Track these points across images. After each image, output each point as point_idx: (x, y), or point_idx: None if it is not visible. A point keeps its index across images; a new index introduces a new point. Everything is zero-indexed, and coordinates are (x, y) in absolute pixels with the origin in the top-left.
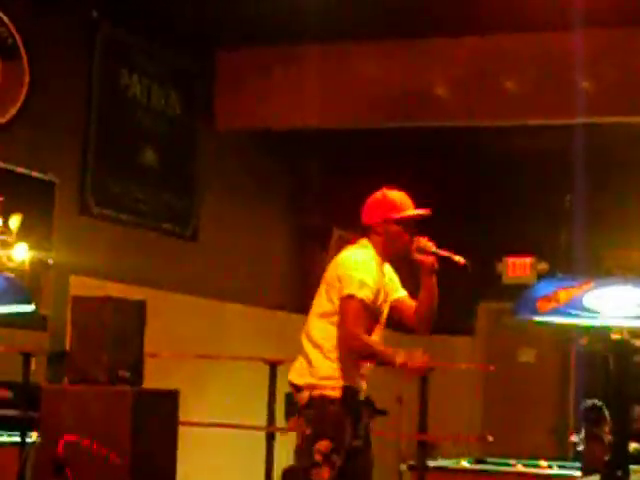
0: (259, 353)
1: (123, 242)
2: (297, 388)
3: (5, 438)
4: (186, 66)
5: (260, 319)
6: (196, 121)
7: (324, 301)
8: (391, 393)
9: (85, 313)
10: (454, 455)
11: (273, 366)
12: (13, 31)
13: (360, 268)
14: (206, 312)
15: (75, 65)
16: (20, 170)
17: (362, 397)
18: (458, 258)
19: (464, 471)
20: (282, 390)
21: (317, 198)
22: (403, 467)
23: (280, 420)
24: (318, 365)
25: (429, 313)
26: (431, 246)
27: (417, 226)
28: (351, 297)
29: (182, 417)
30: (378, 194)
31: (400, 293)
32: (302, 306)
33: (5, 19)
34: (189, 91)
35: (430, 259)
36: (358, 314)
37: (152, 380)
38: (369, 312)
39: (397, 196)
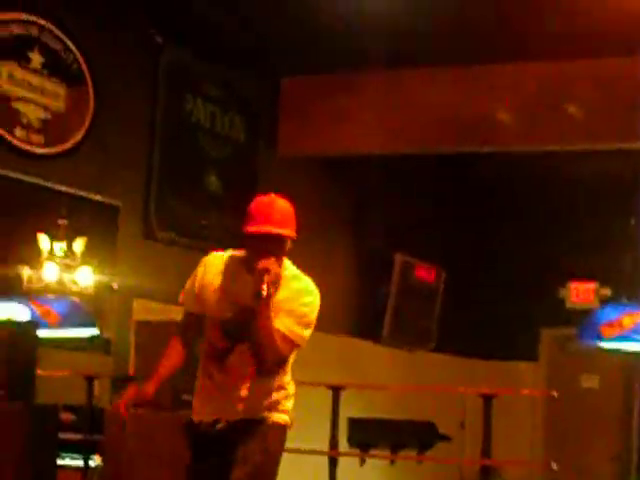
0: (322, 378)
1: (186, 266)
2: None
3: (68, 461)
4: (250, 92)
5: (323, 344)
6: (259, 146)
7: None
8: (454, 418)
9: (148, 337)
10: None
11: (336, 391)
12: (78, 56)
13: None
14: None
15: (139, 90)
16: (85, 194)
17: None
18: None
19: None
20: (344, 415)
21: (380, 223)
22: None
23: (342, 444)
24: None
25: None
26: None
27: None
28: None
29: None
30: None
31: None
32: (365, 331)
33: (70, 45)
34: (253, 117)
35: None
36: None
37: None
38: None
39: (254, 206)
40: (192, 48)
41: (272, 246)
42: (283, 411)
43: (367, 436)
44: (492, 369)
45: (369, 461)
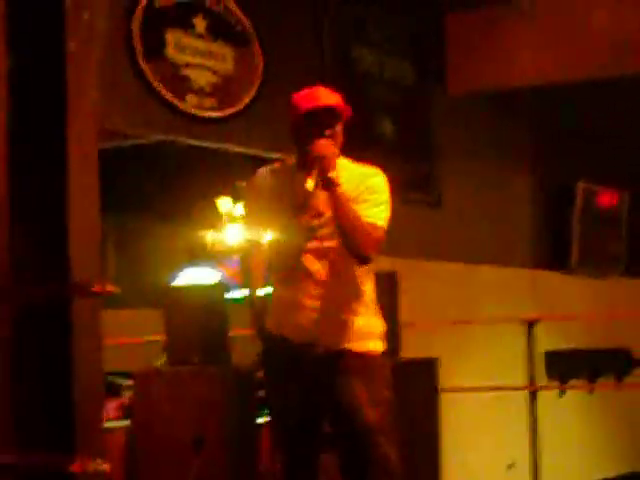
0: (514, 313)
1: None
2: None
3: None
4: (416, 33)
5: (512, 279)
6: (430, 88)
7: None
8: None
9: None
10: None
11: (530, 325)
12: (241, 17)
13: None
14: (457, 277)
15: (306, 44)
16: (261, 154)
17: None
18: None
19: None
20: (540, 349)
21: (559, 152)
22: None
23: (540, 378)
24: None
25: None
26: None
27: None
28: None
29: (443, 384)
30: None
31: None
32: (552, 262)
33: (232, 6)
34: (421, 58)
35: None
36: None
37: (410, 349)
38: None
39: (296, 95)
40: None
41: (324, 124)
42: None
43: (564, 368)
44: None
45: (568, 392)
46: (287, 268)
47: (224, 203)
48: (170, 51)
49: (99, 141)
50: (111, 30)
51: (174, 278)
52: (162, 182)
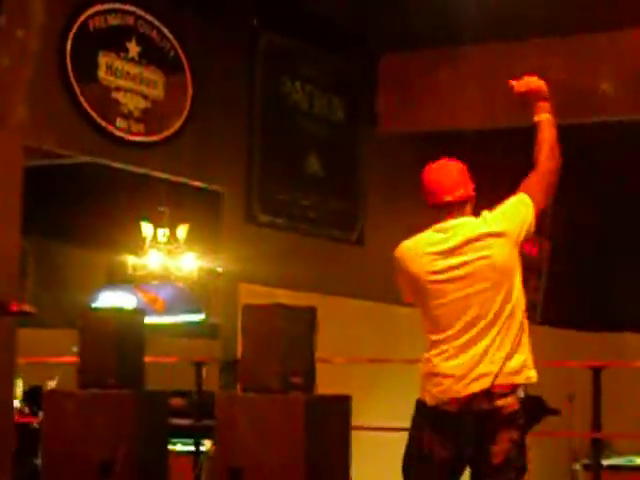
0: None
1: (290, 249)
2: (514, 387)
3: (180, 447)
4: (347, 71)
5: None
6: (359, 125)
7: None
8: (562, 391)
9: (256, 321)
10: (627, 453)
11: None
12: (175, 44)
13: None
14: (375, 316)
15: (237, 75)
16: (187, 181)
17: None
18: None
19: None
20: None
21: (483, 198)
22: (577, 466)
23: None
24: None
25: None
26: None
27: None
28: None
29: (354, 421)
30: (456, 165)
31: None
32: None
33: (166, 32)
34: (351, 96)
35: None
36: None
37: (324, 385)
38: None
39: (425, 177)
40: (288, 30)
41: (453, 213)
42: None
43: None
44: (601, 341)
45: None
46: None
47: (147, 228)
48: (102, 74)
49: (25, 159)
50: (44, 50)
51: (93, 300)
52: (86, 204)
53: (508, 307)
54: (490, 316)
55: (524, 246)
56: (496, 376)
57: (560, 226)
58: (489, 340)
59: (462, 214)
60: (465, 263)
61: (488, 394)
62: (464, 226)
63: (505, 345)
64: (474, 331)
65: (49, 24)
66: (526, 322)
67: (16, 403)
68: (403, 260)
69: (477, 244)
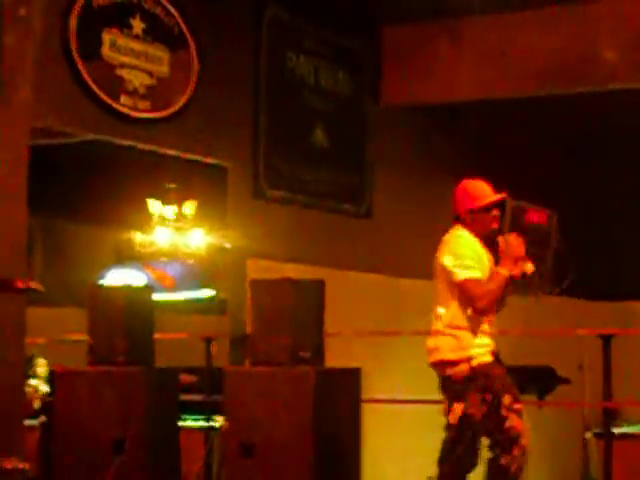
0: None
1: (297, 223)
2: (451, 363)
3: (191, 423)
4: (352, 44)
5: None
6: (364, 99)
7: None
8: (572, 361)
9: (264, 296)
10: (638, 421)
11: None
12: (179, 19)
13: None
14: (383, 289)
15: (242, 50)
16: (193, 157)
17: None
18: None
19: None
20: None
21: (491, 169)
22: (588, 435)
23: None
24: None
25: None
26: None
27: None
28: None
29: (364, 394)
30: (460, 186)
31: None
32: None
33: (170, 8)
34: (356, 69)
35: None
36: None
37: (333, 359)
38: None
39: (475, 186)
40: (293, 4)
41: (498, 214)
42: None
43: None
44: (613, 309)
45: None
46: None
47: (155, 205)
48: (106, 51)
49: (30, 138)
50: (48, 28)
51: (101, 278)
52: (93, 182)
53: None
54: None
55: (533, 216)
56: None
57: (570, 195)
58: None
59: None
60: None
61: None
62: None
63: None
64: None
65: (52, 2)
66: None
67: (41, 385)
68: None
69: None
